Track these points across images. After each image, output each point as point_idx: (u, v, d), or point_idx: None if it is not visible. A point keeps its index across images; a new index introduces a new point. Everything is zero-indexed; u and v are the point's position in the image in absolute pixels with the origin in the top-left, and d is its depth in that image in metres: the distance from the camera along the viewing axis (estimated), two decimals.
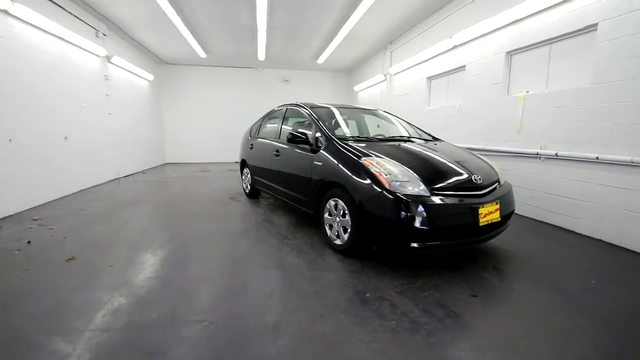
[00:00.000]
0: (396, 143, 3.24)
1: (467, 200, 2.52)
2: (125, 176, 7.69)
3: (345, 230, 2.85)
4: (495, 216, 2.63)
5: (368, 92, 10.10)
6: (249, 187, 5.32)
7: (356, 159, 2.77)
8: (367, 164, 2.66)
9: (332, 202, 2.99)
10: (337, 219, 2.93)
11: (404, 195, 2.41)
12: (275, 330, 1.81)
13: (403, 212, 2.37)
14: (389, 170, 2.56)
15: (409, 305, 2.11)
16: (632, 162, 2.98)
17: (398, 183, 2.47)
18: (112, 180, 7.02)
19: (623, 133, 3.09)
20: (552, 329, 1.88)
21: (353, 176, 2.71)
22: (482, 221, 2.52)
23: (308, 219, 4.10)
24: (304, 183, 3.43)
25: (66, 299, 2.12)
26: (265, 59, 9.58)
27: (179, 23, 6.40)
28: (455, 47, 5.59)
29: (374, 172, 2.57)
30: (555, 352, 1.68)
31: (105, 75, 6.71)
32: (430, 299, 2.19)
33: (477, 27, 4.89)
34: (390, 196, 2.42)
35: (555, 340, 1.77)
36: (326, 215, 3.10)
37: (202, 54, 8.94)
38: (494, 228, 2.68)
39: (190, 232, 3.57)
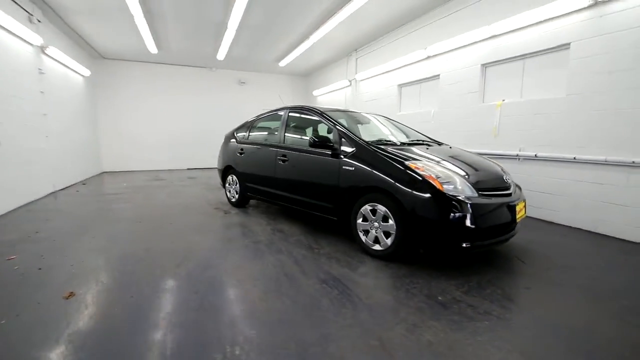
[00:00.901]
0: (422, 147, 3.33)
1: (506, 199, 2.71)
2: (63, 189, 6.46)
3: (387, 235, 2.81)
4: (523, 213, 2.87)
5: (329, 97, 10.22)
6: (236, 195, 4.91)
7: (399, 163, 2.76)
8: (414, 167, 2.67)
9: (367, 208, 2.93)
10: (376, 224, 2.88)
11: (458, 197, 2.48)
12: (385, 349, 1.69)
13: (458, 214, 2.44)
14: (437, 174, 2.61)
15: (484, 303, 2.17)
16: (606, 161, 3.55)
17: (450, 186, 2.54)
18: (50, 194, 5.83)
19: (597, 137, 3.67)
20: (607, 309, 2.11)
21: (400, 180, 2.69)
22: (518, 218, 2.73)
23: (319, 225, 3.95)
24: (327, 189, 3.30)
25: (104, 350, 1.67)
26: (224, 59, 9.02)
27: (137, 12, 5.64)
28: (429, 57, 5.99)
29: (424, 175, 2.59)
30: (624, 325, 1.89)
31: (40, 69, 5.57)
32: (496, 294, 2.29)
33: (454, 40, 5.32)
34: (445, 199, 2.47)
35: (617, 318, 1.99)
36: (359, 221, 3.02)
37: (153, 50, 8.02)
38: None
39: (199, 250, 3.14)
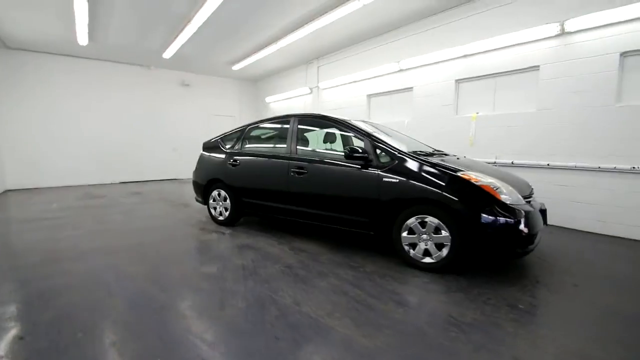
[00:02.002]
0: (452, 157, 3.41)
1: (540, 204, 2.95)
2: None
3: (439, 247, 2.79)
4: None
5: (286, 104, 9.95)
6: (225, 212, 4.34)
7: (449, 174, 2.77)
8: (468, 178, 2.71)
9: (414, 220, 2.87)
10: (425, 236, 2.83)
11: (514, 205, 2.60)
12: None
13: (515, 221, 2.55)
14: (492, 183, 2.69)
15: (559, 304, 2.30)
16: (575, 167, 4.19)
17: (504, 195, 2.64)
18: None
19: (565, 147, 4.30)
20: None
21: (455, 191, 2.69)
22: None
23: (335, 239, 3.72)
24: (363, 203, 3.14)
25: None
26: (171, 57, 8.02)
27: None
28: (402, 70, 6.29)
29: (480, 186, 2.65)
30: None
31: None
32: (558, 295, 2.46)
33: (428, 56, 5.70)
34: (503, 207, 2.57)
35: None
36: (404, 234, 2.94)
37: (83, 41, 6.64)
38: None
39: (230, 284, 2.64)
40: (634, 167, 3.76)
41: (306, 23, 5.86)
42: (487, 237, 2.60)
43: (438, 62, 5.67)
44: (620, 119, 3.85)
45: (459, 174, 2.76)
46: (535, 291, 2.52)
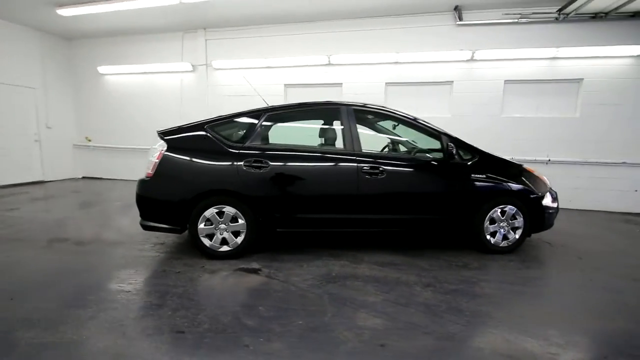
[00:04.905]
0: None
1: None
2: None
3: (513, 231, 3.27)
4: None
5: (142, 79, 7.34)
6: (236, 238, 2.94)
7: (518, 168, 3.33)
8: (530, 170, 3.33)
9: (497, 210, 3.20)
10: (503, 223, 3.24)
11: (552, 188, 3.47)
12: None
13: (556, 200, 3.43)
14: (542, 174, 3.43)
15: (587, 245, 3.35)
16: None
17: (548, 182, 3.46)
18: None
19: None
20: None
21: (525, 182, 3.23)
22: None
23: (390, 243, 3.43)
24: (453, 200, 3.16)
25: None
26: None
27: None
28: (331, 64, 6.23)
29: (538, 176, 3.33)
30: None
31: None
32: (582, 245, 3.54)
33: (361, 56, 6.00)
34: (552, 192, 3.37)
35: None
36: (487, 224, 3.21)
37: None
38: None
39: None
40: (512, 158, 5.72)
41: None
42: (545, 215, 3.32)
43: (371, 64, 6.09)
44: (504, 125, 5.74)
45: (524, 166, 3.34)
46: (568, 246, 3.53)
